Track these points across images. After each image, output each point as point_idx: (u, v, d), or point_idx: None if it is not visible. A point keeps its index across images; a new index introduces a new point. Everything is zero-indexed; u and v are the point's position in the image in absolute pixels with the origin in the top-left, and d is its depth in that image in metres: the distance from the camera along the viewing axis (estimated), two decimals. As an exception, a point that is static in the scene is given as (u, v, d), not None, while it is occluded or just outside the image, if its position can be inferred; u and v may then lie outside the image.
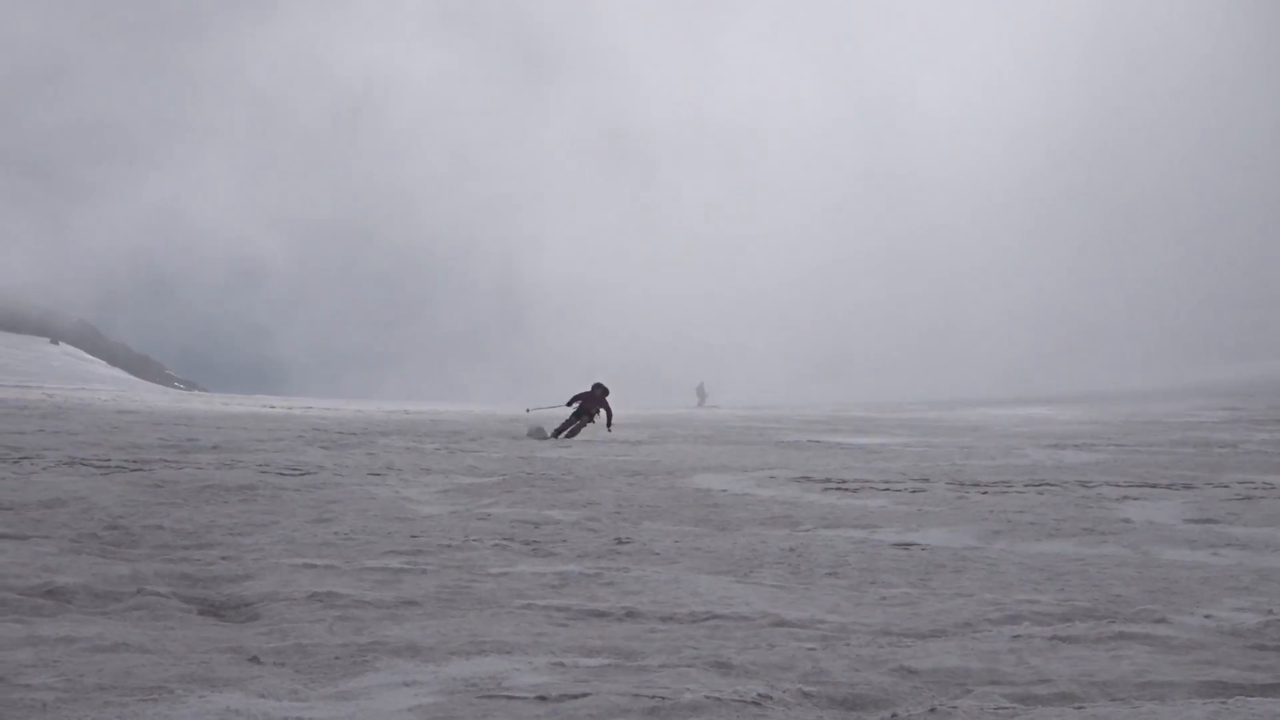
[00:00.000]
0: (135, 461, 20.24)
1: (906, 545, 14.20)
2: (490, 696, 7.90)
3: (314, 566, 11.90)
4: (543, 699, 7.86)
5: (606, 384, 36.28)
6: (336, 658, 8.81)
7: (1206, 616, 10.61)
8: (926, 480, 21.38)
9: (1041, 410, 53.50)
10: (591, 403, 35.91)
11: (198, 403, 49.32)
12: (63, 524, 13.56)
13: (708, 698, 7.91)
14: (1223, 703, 7.99)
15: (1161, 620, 10.44)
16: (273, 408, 44.97)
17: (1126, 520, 16.57)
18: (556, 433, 35.51)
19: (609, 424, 35.68)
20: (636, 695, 7.93)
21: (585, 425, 36.17)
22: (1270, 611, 10.83)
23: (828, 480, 21.18)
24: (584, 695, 7.93)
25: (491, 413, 49.45)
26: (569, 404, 36.21)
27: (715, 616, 10.36)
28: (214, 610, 10.24)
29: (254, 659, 8.70)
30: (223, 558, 12.19)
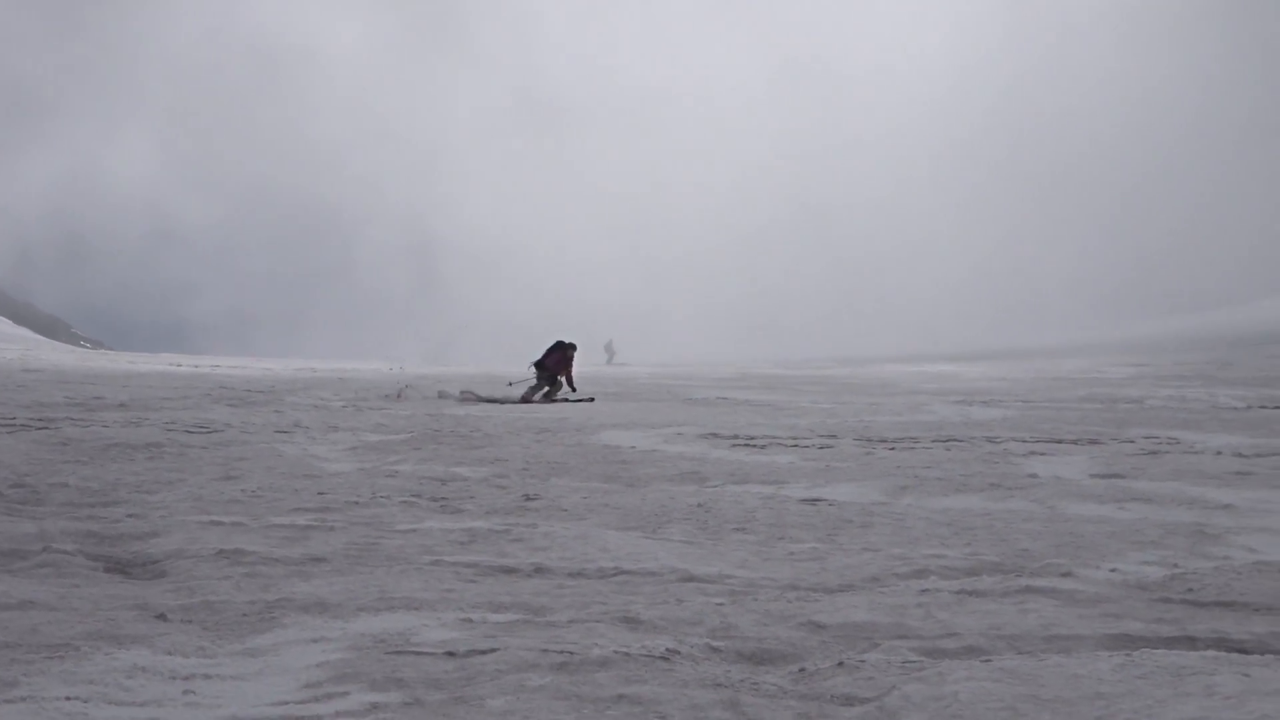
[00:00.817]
0: (41, 420, 20.11)
1: (814, 501, 14.26)
2: (398, 652, 7.92)
3: (221, 524, 11.87)
4: (451, 654, 7.88)
5: (570, 341, 34.71)
6: (244, 614, 8.80)
7: (1112, 570, 10.73)
8: (834, 437, 21.47)
9: (950, 367, 53.84)
10: (558, 364, 34.31)
11: (104, 361, 48.98)
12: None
13: (616, 653, 7.95)
14: (1128, 655, 8.08)
15: (1068, 574, 10.55)
16: (180, 366, 44.71)
17: (1033, 475, 16.70)
18: (524, 398, 33.43)
19: (571, 385, 34.29)
20: (545, 651, 7.97)
21: (554, 389, 34.27)
22: (1175, 565, 10.96)
23: (735, 437, 21.24)
24: (492, 651, 7.96)
25: (399, 368, 49.29)
26: (532, 366, 34.82)
27: (623, 572, 10.40)
28: (120, 568, 10.21)
29: (161, 616, 8.69)
30: (129, 515, 12.14)
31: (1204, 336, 75.33)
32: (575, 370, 35.46)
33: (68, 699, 6.87)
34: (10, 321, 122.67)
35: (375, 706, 6.88)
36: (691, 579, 10.24)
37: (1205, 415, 25.84)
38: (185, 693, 7.10)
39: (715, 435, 21.49)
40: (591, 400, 33.06)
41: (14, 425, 19.03)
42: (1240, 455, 18.93)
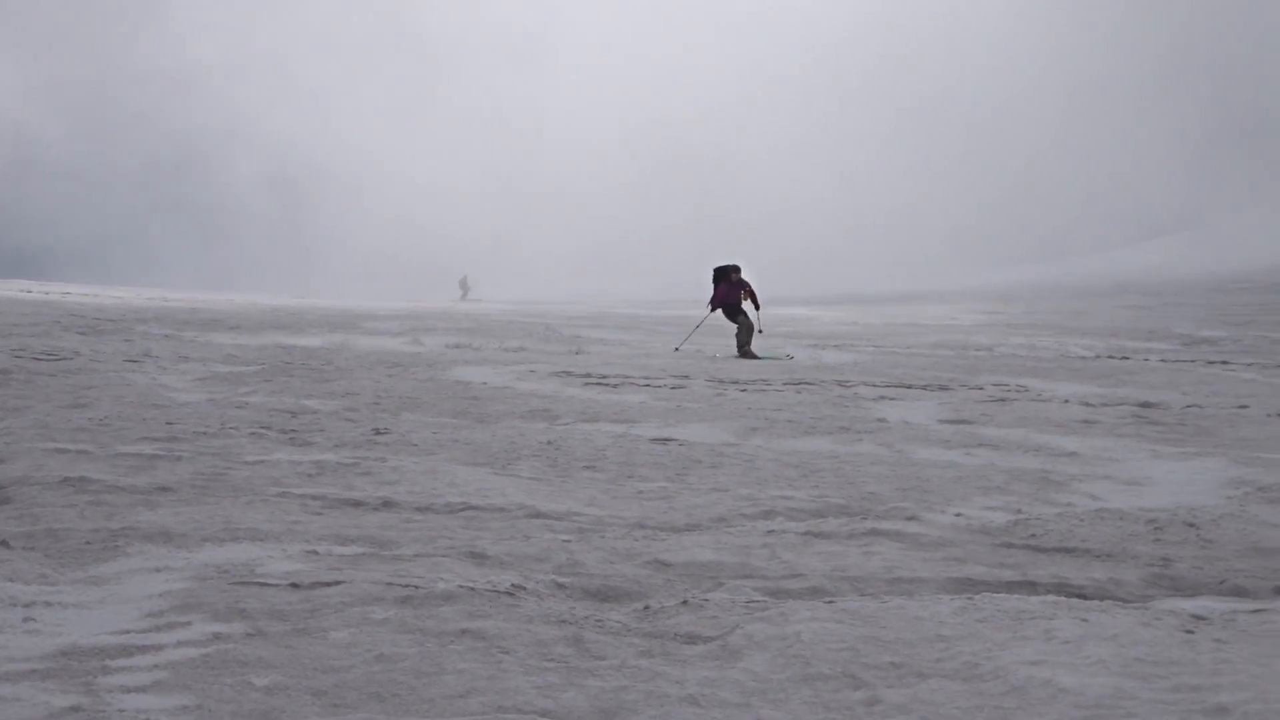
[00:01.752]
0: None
1: (664, 440, 14.33)
2: (243, 583, 7.89)
3: (67, 451, 11.75)
4: (295, 586, 7.87)
5: (729, 264, 29.88)
6: (88, 543, 8.73)
7: (957, 515, 10.86)
8: (686, 377, 21.53)
9: (803, 310, 54.02)
10: (736, 293, 29.11)
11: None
12: None
13: (461, 587, 7.97)
14: (969, 599, 8.19)
15: (913, 518, 10.66)
16: (30, 293, 44.00)
17: (882, 420, 16.85)
18: (744, 352, 28.35)
19: (756, 305, 29.18)
20: (390, 584, 7.97)
21: (746, 321, 28.86)
22: (1019, 511, 11.11)
23: (588, 375, 21.24)
24: (337, 583, 7.95)
25: (253, 301, 48.84)
26: (712, 310, 29.92)
27: (471, 507, 10.41)
28: (-36, 493, 10.09)
29: (2, 543, 8.60)
30: (-26, 442, 12.00)
31: (1060, 285, 76.03)
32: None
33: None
34: None
35: (217, 636, 6.85)
36: (539, 515, 10.26)
37: (1054, 364, 26.14)
38: (25, 620, 7.04)
39: (568, 373, 21.48)
40: (790, 358, 28.04)
41: None
42: (1087, 404, 19.19)
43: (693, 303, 62.40)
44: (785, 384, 21.07)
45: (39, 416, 13.58)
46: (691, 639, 7.24)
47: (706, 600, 7.97)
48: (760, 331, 29.25)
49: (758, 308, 29.15)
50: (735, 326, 29.10)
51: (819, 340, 33.23)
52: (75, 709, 5.79)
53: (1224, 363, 27.30)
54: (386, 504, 10.41)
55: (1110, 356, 28.69)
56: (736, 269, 29.41)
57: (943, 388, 21.30)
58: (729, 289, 29.26)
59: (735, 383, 20.88)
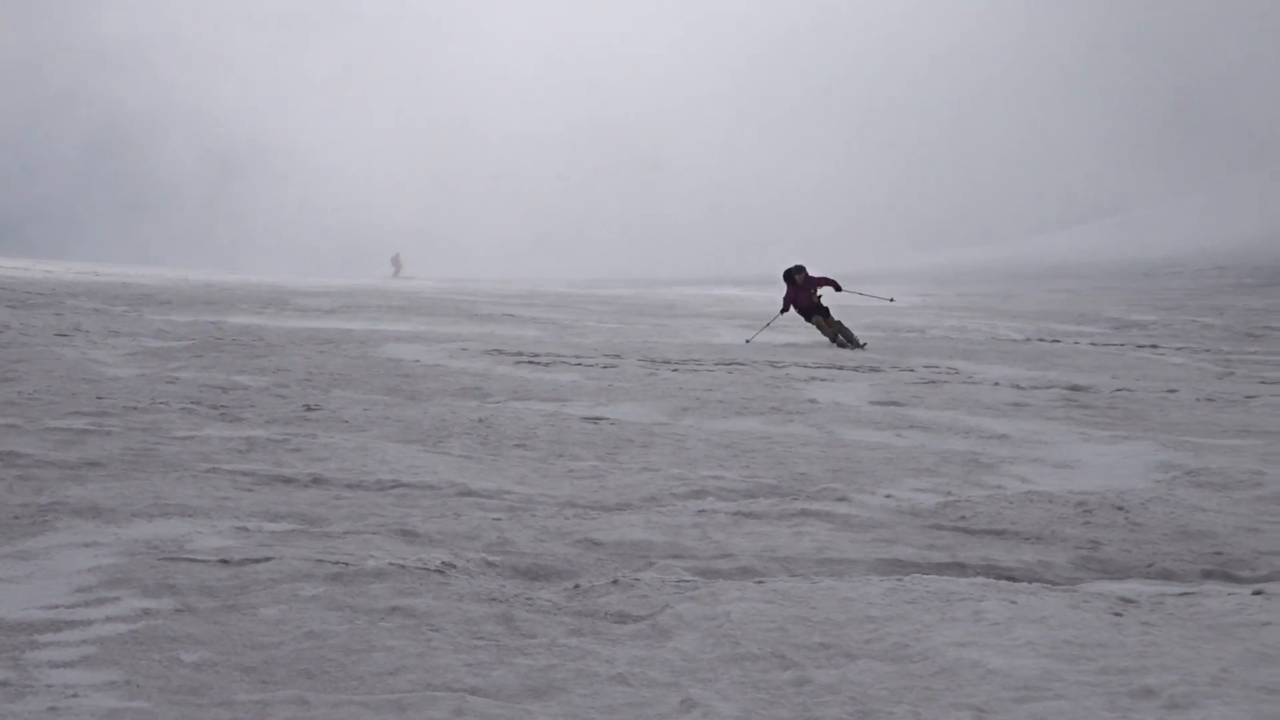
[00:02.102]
0: None
1: (596, 419, 14.34)
2: (172, 559, 7.88)
3: (-3, 423, 11.70)
4: (225, 562, 7.86)
5: (799, 263, 28.25)
6: (16, 517, 8.69)
7: (887, 496, 10.91)
8: (618, 356, 21.54)
9: (736, 291, 54.11)
10: (806, 294, 27.16)
11: None
12: None
13: (392, 564, 7.98)
14: (899, 580, 8.24)
15: (843, 499, 10.70)
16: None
17: (813, 400, 16.89)
18: (840, 342, 26.55)
19: (837, 288, 27.41)
20: (320, 561, 7.97)
21: (827, 318, 27.04)
22: (949, 493, 11.18)
23: (520, 353, 21.24)
24: (267, 560, 7.95)
25: (184, 277, 48.61)
26: (783, 311, 27.76)
27: (402, 485, 10.41)
28: (-113, 466, 10.04)
29: (-70, 516, 8.57)
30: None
31: (992, 268, 76.37)
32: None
33: None
34: None
35: (147, 612, 6.84)
36: (470, 494, 10.27)
37: (985, 346, 26.24)
38: (-47, 591, 7.02)
39: (499, 351, 21.47)
40: (864, 346, 26.32)
41: None
42: (1017, 386, 19.28)
43: (623, 283, 62.37)
44: (716, 364, 21.09)
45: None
46: (621, 618, 7.26)
47: (637, 579, 7.99)
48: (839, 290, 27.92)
49: (839, 289, 27.55)
50: (824, 324, 27.12)
51: (751, 321, 33.24)
52: (3, 684, 5.77)
53: (1153, 346, 27.46)
54: (317, 480, 10.40)
55: (1040, 340, 28.83)
56: (799, 269, 27.53)
57: (874, 369, 21.36)
58: (796, 291, 27.34)
59: (667, 362, 20.89)
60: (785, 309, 27.63)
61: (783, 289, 28.23)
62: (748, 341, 27.26)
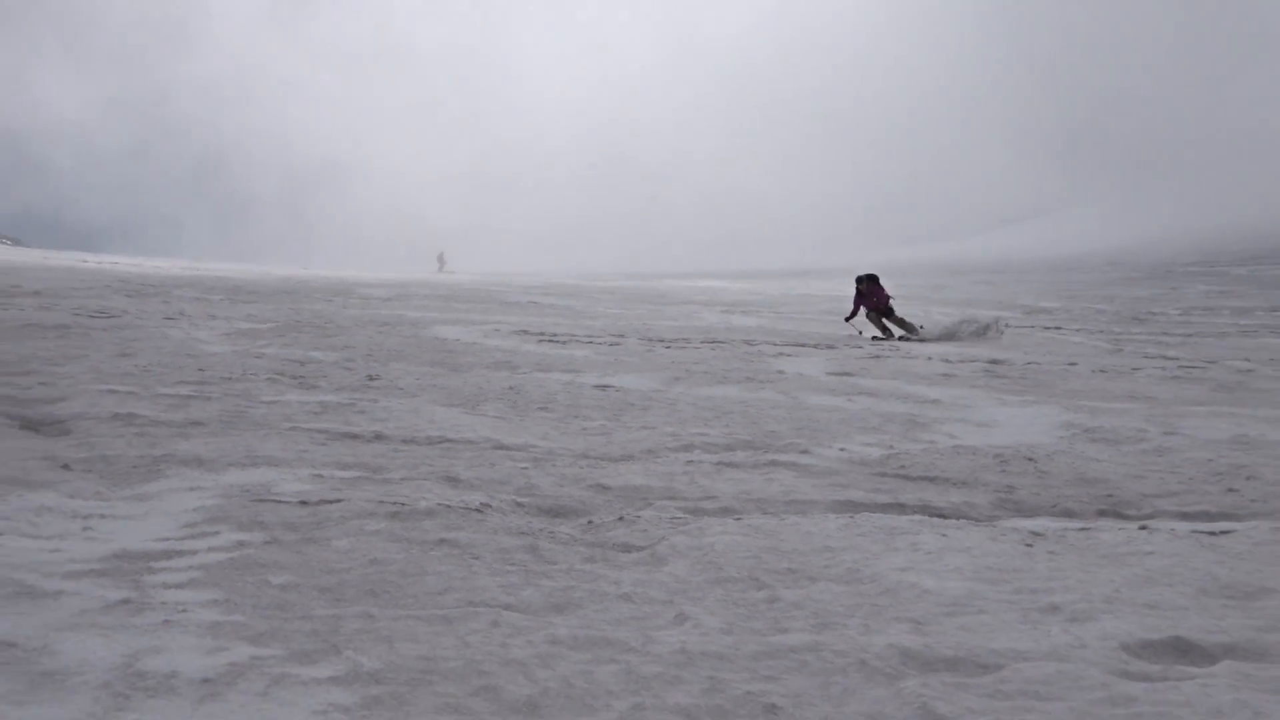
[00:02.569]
0: (-42, 300, 19.61)
1: (604, 387, 14.32)
2: (261, 500, 7.89)
3: (116, 392, 11.69)
4: (304, 503, 7.88)
5: (870, 273, 26.22)
6: (134, 466, 8.71)
7: (841, 450, 10.91)
8: (622, 336, 21.52)
9: (718, 283, 54.00)
10: (870, 300, 25.30)
11: (21, 256, 47.62)
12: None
13: (439, 505, 8.00)
14: (851, 517, 8.27)
15: (805, 452, 10.72)
16: (85, 262, 43.53)
17: (780, 372, 16.89)
18: (905, 335, 24.96)
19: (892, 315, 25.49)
20: (381, 502, 7.99)
21: (890, 320, 25.37)
22: (891, 447, 11.18)
23: (542, 334, 21.21)
24: (338, 501, 7.97)
25: (268, 272, 48.49)
26: (849, 318, 25.73)
27: (447, 440, 10.41)
28: (32, 426, 10.04)
29: (65, 466, 8.58)
30: (40, 383, 11.92)
31: (926, 264, 76.37)
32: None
33: (-16, 531, 6.79)
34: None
35: (241, 544, 6.86)
36: (502, 447, 10.27)
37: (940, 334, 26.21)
38: (84, 529, 7.04)
39: (525, 332, 21.45)
40: (920, 336, 24.96)
41: (-64, 304, 18.56)
42: (946, 361, 19.29)
43: (624, 276, 62.25)
44: (702, 342, 21.09)
45: (94, 364, 13.50)
46: (626, 548, 7.29)
47: (638, 517, 8.02)
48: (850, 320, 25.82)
49: (894, 316, 25.49)
50: (888, 323, 25.48)
51: (729, 307, 33.21)
52: (126, 601, 5.79)
53: (1057, 328, 27.46)
54: (378, 437, 10.40)
55: (965, 322, 28.82)
56: (865, 279, 25.68)
57: (829, 346, 21.37)
58: (866, 298, 25.53)
59: (661, 341, 20.87)
60: (852, 316, 25.84)
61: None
62: (861, 334, 24.95)
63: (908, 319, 25.85)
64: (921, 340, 24.43)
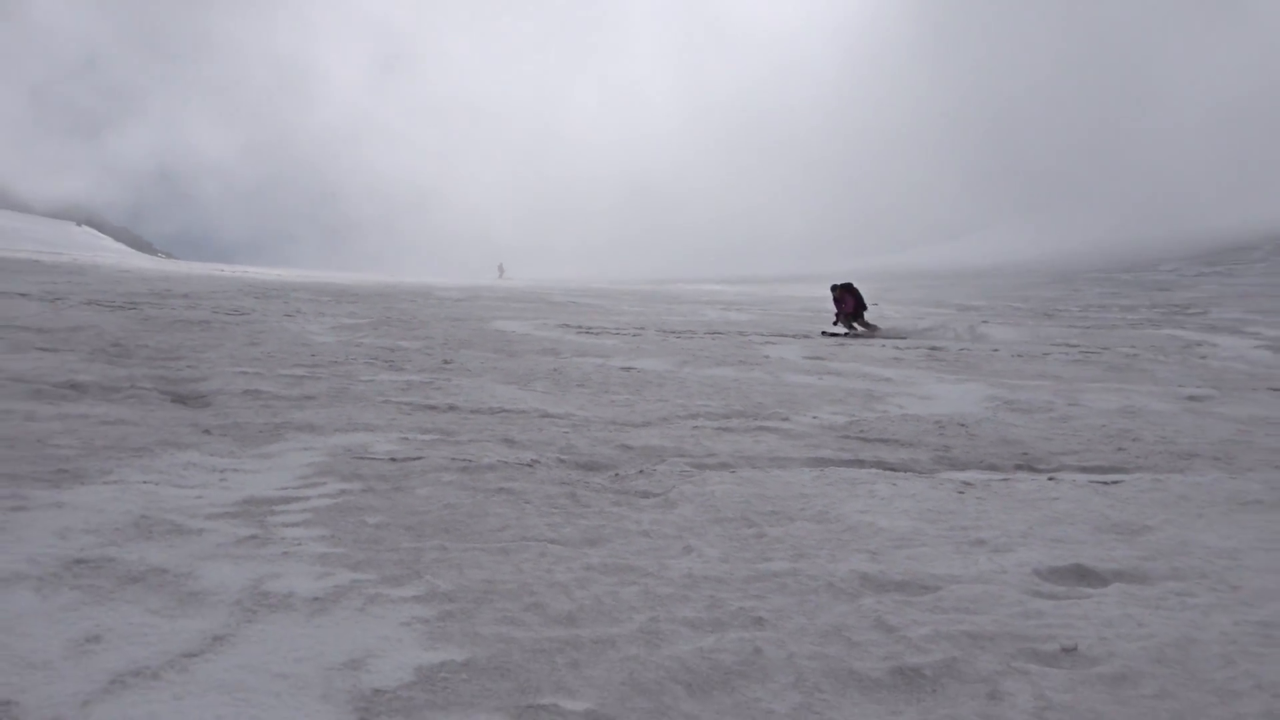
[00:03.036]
0: (130, 303, 19.64)
1: (628, 369, 14.32)
2: (360, 458, 7.91)
3: (246, 373, 11.72)
4: (393, 460, 7.89)
5: (843, 282, 24.39)
6: (260, 431, 8.73)
7: (814, 418, 10.90)
8: (642, 329, 21.50)
9: (717, 286, 53.92)
10: (844, 304, 23.41)
11: (173, 267, 47.72)
12: (82, 342, 13.18)
13: (499, 461, 8.01)
14: (821, 470, 8.27)
15: (785, 419, 10.71)
16: (223, 271, 43.59)
17: (766, 356, 16.87)
18: (850, 332, 23.01)
19: (863, 308, 23.81)
20: (453, 459, 8.00)
21: (855, 323, 23.45)
22: (852, 415, 11.17)
23: (579, 326, 21.21)
24: (419, 458, 7.98)
25: (365, 279, 48.55)
26: (839, 315, 23.53)
27: (505, 410, 10.42)
28: (181, 399, 10.07)
29: (206, 431, 8.61)
30: (187, 366, 11.95)
31: (879, 272, 76.18)
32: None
33: (144, 483, 6.82)
34: (111, 239, 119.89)
35: (343, 492, 6.88)
36: (547, 416, 10.28)
37: (875, 322, 26.14)
38: (221, 480, 7.07)
39: (566, 325, 21.45)
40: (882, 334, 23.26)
41: (112, 306, 18.59)
42: (896, 348, 19.26)
43: (642, 281, 62.17)
44: (705, 333, 21.07)
45: (228, 351, 13.53)
46: (645, 494, 7.29)
47: (655, 470, 8.02)
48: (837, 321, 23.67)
49: (864, 306, 23.79)
50: (849, 323, 23.35)
51: (726, 305, 33.15)
52: (253, 537, 5.81)
53: (984, 322, 27.36)
54: (451, 408, 10.41)
55: (912, 318, 28.76)
56: (839, 287, 23.74)
57: (805, 336, 21.33)
58: (842, 300, 23.54)
59: (673, 332, 20.86)
60: (838, 316, 23.54)
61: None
62: (825, 334, 22.49)
63: (873, 321, 24.52)
64: (876, 337, 23.04)
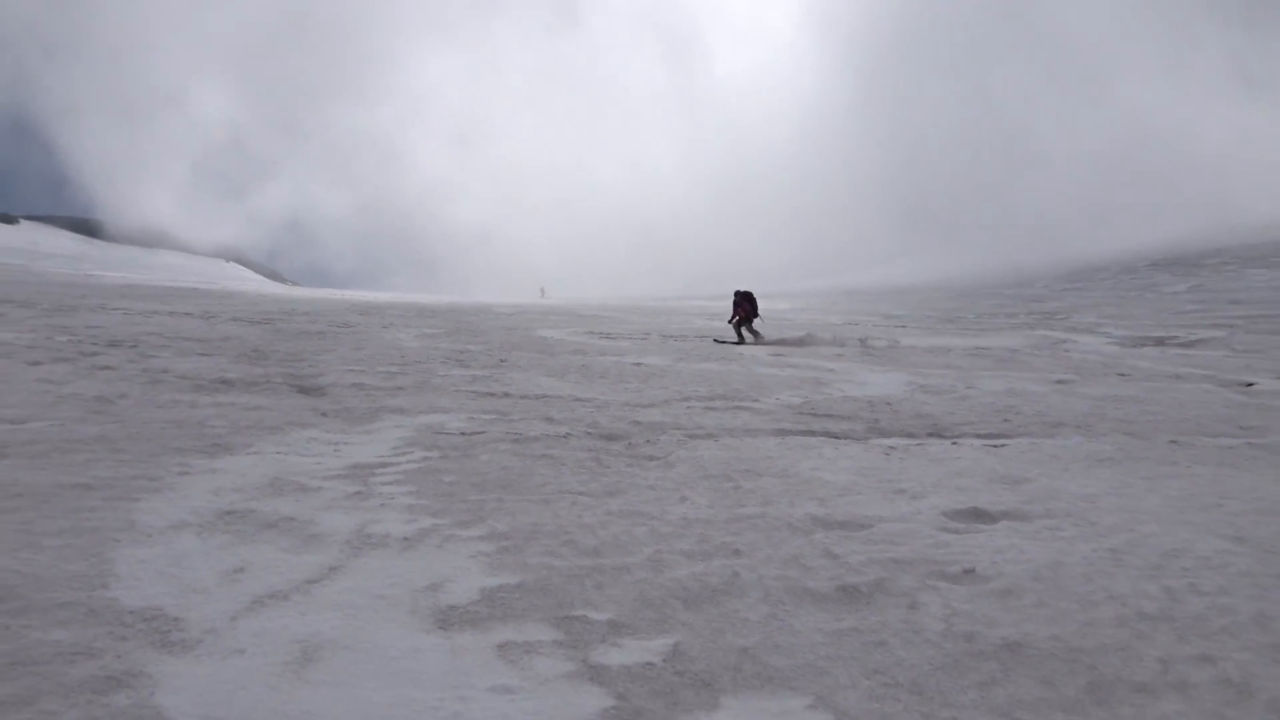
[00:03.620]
0: (266, 319, 19.66)
1: (638, 364, 14.29)
2: (439, 433, 7.90)
3: (353, 370, 11.72)
4: (462, 434, 7.88)
5: (744, 289, 21.14)
6: (363, 414, 8.72)
7: (777, 399, 10.87)
8: (648, 334, 21.46)
9: (704, 303, 53.87)
10: (740, 309, 20.63)
11: (299, 292, 47.82)
12: (231, 349, 13.19)
13: (542, 434, 7.99)
14: (782, 438, 8.24)
15: (756, 400, 10.68)
16: (336, 295, 43.73)
17: (740, 354, 16.84)
18: (741, 339, 20.45)
19: (755, 315, 20.77)
20: (508, 433, 7.98)
21: (746, 325, 20.54)
22: (806, 397, 11.12)
23: (601, 333, 21.18)
24: (482, 433, 7.96)
25: (441, 300, 48.58)
26: (733, 317, 20.58)
27: (546, 396, 10.40)
28: (304, 391, 10.07)
29: (323, 414, 8.60)
30: (309, 366, 11.95)
31: (823, 290, 76.08)
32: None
33: (276, 453, 6.81)
34: (251, 271, 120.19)
35: (426, 459, 6.87)
36: (578, 400, 10.26)
37: (822, 328, 26.11)
38: (334, 451, 7.06)
39: (591, 332, 21.42)
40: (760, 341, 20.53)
41: (252, 321, 18.61)
42: (841, 347, 19.22)
43: (651, 298, 62.17)
44: (694, 337, 21.02)
45: (340, 355, 13.53)
46: (651, 458, 7.27)
47: (658, 439, 8.00)
48: (745, 321, 21.00)
49: (757, 314, 20.68)
50: (740, 324, 20.46)
51: (710, 316, 33.12)
52: (358, 493, 5.81)
53: (903, 326, 27.33)
54: (506, 395, 10.40)
55: (850, 324, 28.72)
56: (739, 293, 20.77)
57: (767, 340, 21.34)
58: (740, 305, 20.61)
59: (671, 336, 20.82)
60: (734, 316, 20.69)
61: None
62: (716, 341, 20.09)
63: (758, 330, 20.87)
64: (760, 343, 20.07)
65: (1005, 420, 9.69)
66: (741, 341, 20.30)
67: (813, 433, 8.70)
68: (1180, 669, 3.71)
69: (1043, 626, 4.06)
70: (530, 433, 8.05)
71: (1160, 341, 21.37)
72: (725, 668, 3.70)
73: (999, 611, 4.21)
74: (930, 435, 8.79)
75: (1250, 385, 13.29)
